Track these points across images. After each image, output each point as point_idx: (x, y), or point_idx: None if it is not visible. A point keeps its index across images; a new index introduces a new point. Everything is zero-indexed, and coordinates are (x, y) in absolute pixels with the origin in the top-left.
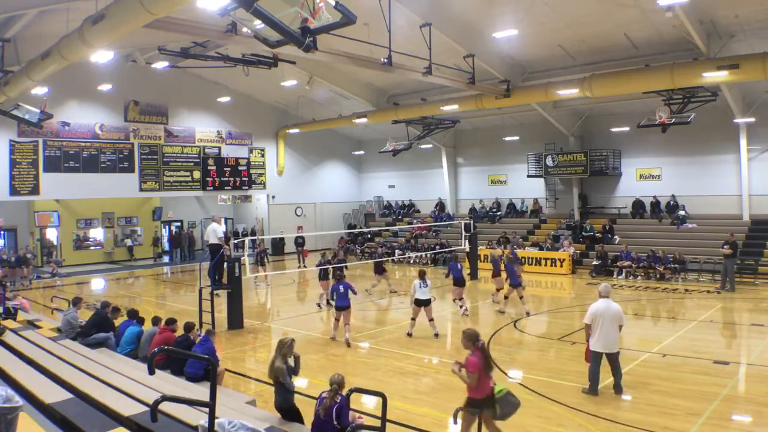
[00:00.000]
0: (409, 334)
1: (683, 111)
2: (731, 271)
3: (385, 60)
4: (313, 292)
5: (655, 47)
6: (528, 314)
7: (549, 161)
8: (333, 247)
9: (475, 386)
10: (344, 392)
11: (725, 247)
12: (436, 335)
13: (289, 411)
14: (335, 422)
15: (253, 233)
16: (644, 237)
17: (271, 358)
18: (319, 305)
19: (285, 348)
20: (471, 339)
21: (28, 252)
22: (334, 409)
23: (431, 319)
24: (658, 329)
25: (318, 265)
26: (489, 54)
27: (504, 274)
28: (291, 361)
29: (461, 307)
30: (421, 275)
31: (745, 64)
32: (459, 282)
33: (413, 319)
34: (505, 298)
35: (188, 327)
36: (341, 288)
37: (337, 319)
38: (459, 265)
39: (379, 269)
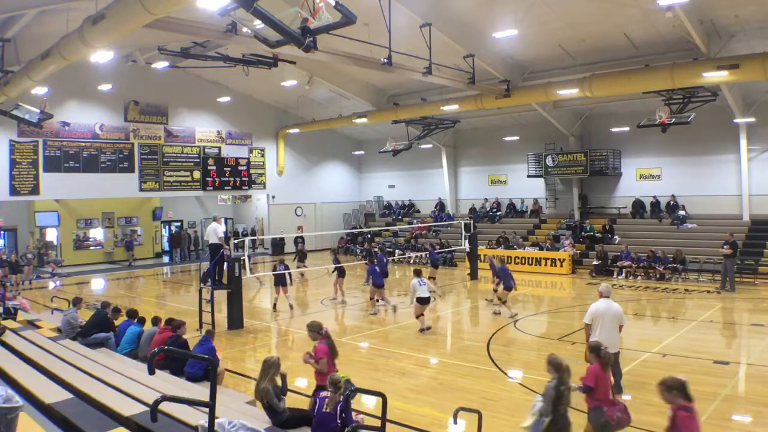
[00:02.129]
0: (422, 330)
1: (683, 111)
2: (731, 271)
3: (385, 60)
4: (313, 292)
5: (655, 47)
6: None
7: (549, 161)
8: (333, 247)
9: (325, 371)
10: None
11: (725, 247)
12: (428, 328)
13: (285, 424)
14: (338, 420)
15: (253, 233)
16: (644, 237)
17: (257, 379)
18: (274, 306)
19: (272, 368)
20: (315, 329)
21: (28, 252)
22: (339, 407)
23: (422, 314)
24: (658, 329)
25: (273, 271)
26: (489, 54)
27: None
28: (278, 381)
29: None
30: (418, 273)
31: (745, 64)
32: (384, 274)
33: (419, 316)
34: (503, 302)
35: (175, 325)
36: (420, 283)
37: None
38: (385, 259)
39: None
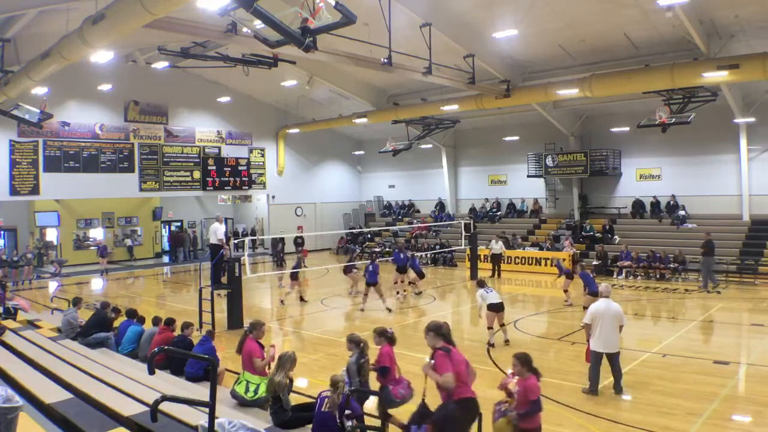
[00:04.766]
0: (492, 344)
1: (683, 111)
2: (705, 270)
3: (385, 60)
4: (313, 292)
5: (655, 47)
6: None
7: (549, 161)
8: (333, 247)
9: None
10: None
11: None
12: (507, 341)
13: (285, 424)
14: (338, 420)
15: (253, 233)
16: (644, 237)
17: (272, 372)
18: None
19: (288, 363)
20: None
21: (28, 252)
22: (338, 407)
23: (502, 325)
24: (658, 329)
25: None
26: (489, 54)
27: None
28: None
29: (398, 293)
30: (482, 284)
31: (745, 64)
32: (401, 270)
33: (490, 327)
34: (585, 308)
35: (184, 326)
36: (487, 291)
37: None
38: (402, 255)
39: (349, 269)
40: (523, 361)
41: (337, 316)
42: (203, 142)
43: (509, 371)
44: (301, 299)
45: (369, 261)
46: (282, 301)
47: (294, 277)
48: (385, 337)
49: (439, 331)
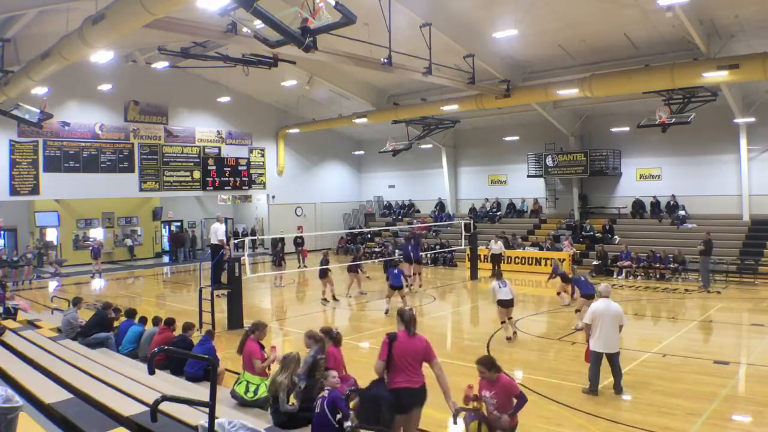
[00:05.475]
0: (509, 338)
1: (683, 111)
2: (704, 269)
3: (385, 60)
4: (313, 293)
5: (655, 47)
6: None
7: (549, 161)
8: (333, 247)
9: None
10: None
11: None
12: (514, 334)
13: (285, 424)
14: (330, 417)
15: (253, 233)
16: (644, 237)
17: (275, 372)
18: (325, 300)
19: (293, 364)
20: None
21: (28, 252)
22: (325, 403)
23: (509, 318)
24: (658, 329)
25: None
26: (489, 54)
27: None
28: (295, 378)
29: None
30: (498, 276)
31: (745, 64)
32: (409, 259)
33: (503, 322)
34: (577, 311)
35: (186, 327)
36: (500, 285)
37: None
38: (410, 245)
39: (353, 268)
40: (489, 365)
41: (338, 315)
42: (203, 142)
43: (468, 384)
44: (323, 298)
45: (391, 266)
46: (341, 298)
47: (324, 275)
48: (330, 337)
49: (402, 317)
